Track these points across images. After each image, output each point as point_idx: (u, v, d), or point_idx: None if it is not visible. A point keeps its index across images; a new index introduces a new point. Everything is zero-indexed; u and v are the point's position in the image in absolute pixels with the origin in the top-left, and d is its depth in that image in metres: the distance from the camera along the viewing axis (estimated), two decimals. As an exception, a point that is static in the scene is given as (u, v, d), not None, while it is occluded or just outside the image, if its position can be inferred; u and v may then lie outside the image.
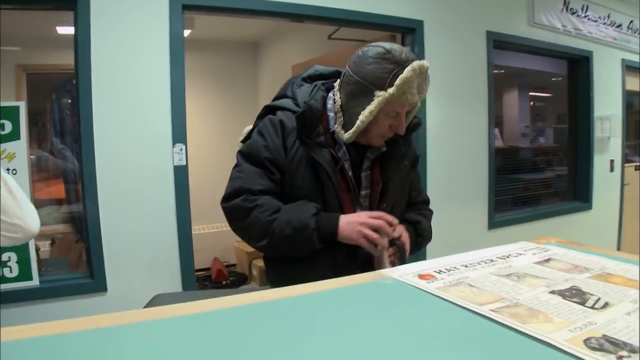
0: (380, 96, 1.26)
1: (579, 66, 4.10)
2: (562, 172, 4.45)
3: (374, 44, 1.33)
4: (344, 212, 1.35)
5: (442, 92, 3.24)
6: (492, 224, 3.56)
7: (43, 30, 3.72)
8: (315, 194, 1.35)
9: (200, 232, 5.52)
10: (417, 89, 1.29)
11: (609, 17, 4.15)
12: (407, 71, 1.24)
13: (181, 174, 2.50)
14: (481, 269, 0.75)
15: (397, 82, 1.25)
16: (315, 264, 1.33)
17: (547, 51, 3.84)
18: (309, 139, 1.35)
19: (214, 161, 5.41)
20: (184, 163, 2.49)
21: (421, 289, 0.67)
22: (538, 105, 5.47)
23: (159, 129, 2.44)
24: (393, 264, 1.29)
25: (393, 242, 1.31)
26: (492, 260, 0.81)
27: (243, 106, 5.47)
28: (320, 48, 3.90)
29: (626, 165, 4.53)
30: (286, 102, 1.44)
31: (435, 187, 3.22)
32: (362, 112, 1.29)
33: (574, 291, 0.66)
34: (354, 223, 1.27)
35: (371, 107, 1.28)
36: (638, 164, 4.79)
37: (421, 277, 0.71)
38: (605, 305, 0.60)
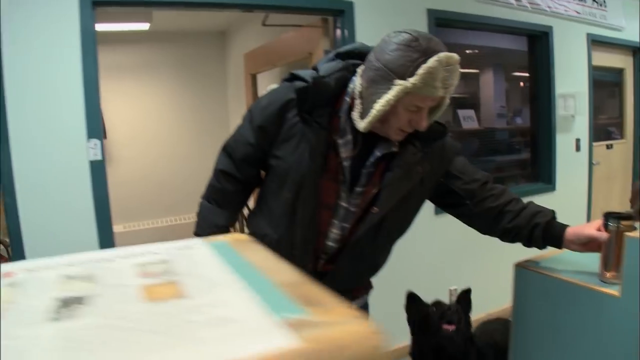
0: (399, 85, 1.16)
1: (538, 42, 3.95)
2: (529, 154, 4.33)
3: (402, 29, 1.22)
4: (321, 199, 1.32)
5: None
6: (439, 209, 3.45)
7: None
8: (295, 171, 1.30)
9: (177, 222, 5.62)
10: (442, 83, 1.17)
11: (570, -11, 3.98)
12: (431, 61, 1.13)
13: (98, 170, 2.50)
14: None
15: (420, 71, 1.14)
16: (279, 244, 1.33)
17: (499, 27, 3.69)
18: (308, 115, 1.29)
19: (185, 152, 5.44)
20: (100, 158, 2.49)
21: None
22: (514, 85, 5.30)
23: (72, 125, 2.44)
24: None
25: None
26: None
27: (212, 96, 5.47)
28: (266, 36, 3.86)
29: (596, 144, 4.36)
30: (307, 73, 1.34)
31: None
32: (378, 101, 1.19)
33: None
34: None
35: (388, 95, 1.18)
36: (609, 142, 4.63)
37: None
38: None
